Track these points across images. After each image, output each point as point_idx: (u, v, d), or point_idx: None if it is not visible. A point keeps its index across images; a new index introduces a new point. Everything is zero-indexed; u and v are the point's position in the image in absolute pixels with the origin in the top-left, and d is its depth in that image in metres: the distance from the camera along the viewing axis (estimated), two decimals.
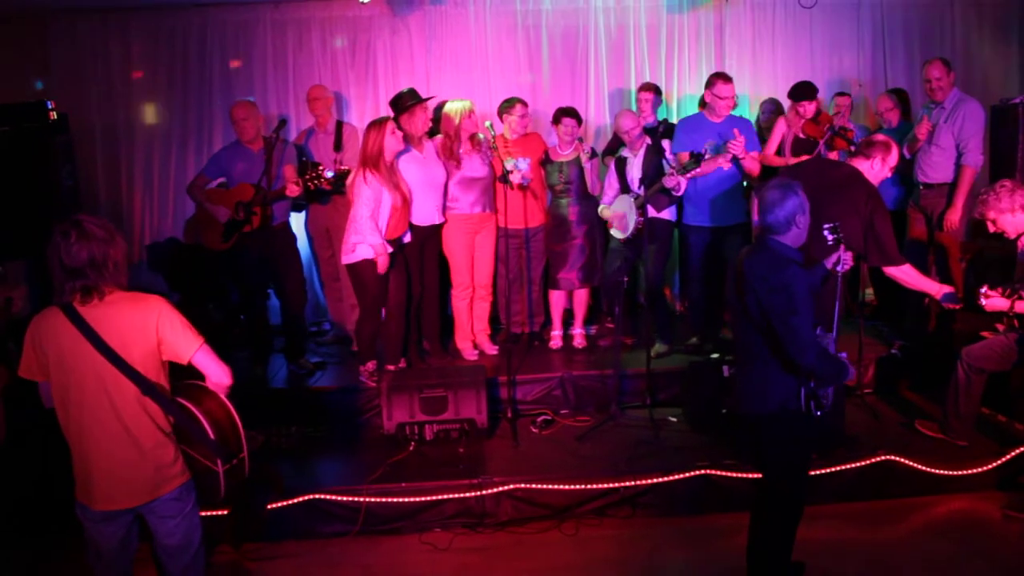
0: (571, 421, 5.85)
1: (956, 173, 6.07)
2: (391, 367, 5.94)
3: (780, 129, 6.72)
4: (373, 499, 4.86)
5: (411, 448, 5.36)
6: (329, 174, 6.04)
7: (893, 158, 5.02)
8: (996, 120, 6.33)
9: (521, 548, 4.75)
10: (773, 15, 8.01)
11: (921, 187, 6.31)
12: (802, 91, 6.55)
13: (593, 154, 6.38)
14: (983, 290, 4.70)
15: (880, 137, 5.20)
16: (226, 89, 7.75)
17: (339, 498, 4.88)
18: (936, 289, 4.95)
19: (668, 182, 5.82)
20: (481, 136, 6.22)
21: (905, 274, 4.96)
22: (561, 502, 4.95)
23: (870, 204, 4.85)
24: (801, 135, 6.54)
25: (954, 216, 6.05)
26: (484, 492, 4.90)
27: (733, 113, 6.35)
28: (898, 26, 8.06)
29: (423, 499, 4.89)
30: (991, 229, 4.90)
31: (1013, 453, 5.14)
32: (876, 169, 4.99)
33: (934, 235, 6.26)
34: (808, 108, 6.57)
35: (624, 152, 6.33)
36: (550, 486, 4.93)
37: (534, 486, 4.93)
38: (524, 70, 7.92)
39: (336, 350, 6.91)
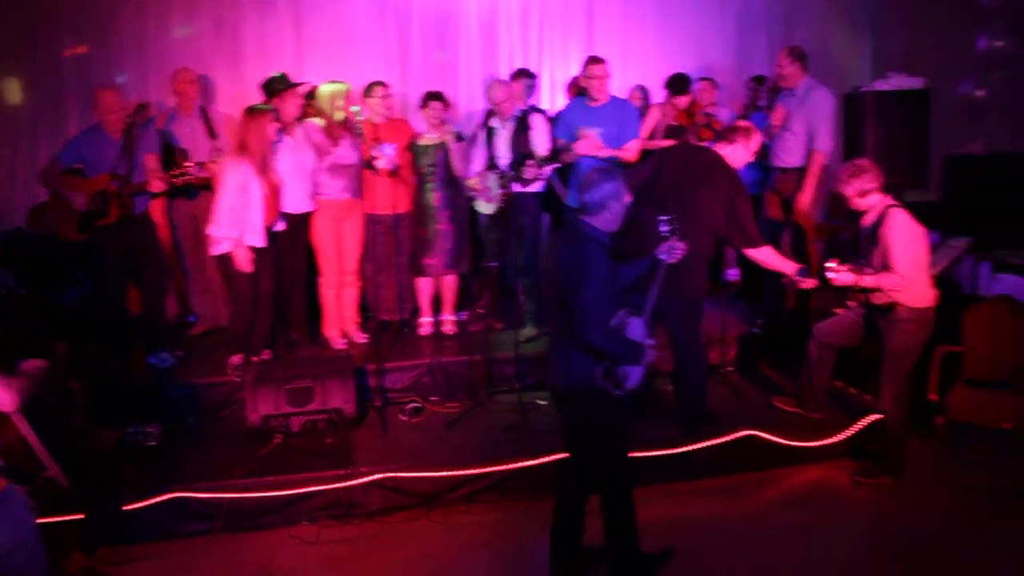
0: (441, 408, 5.84)
1: (807, 158, 6.29)
2: (257, 359, 5.81)
3: (654, 116, 6.87)
4: (237, 495, 4.74)
5: (277, 441, 5.25)
6: (195, 169, 5.85)
7: (755, 143, 5.17)
8: (848, 107, 6.59)
9: (390, 537, 4.72)
10: (642, 1, 8.14)
11: (776, 171, 6.53)
12: (677, 85, 6.72)
13: (459, 137, 6.37)
14: (830, 265, 4.89)
15: (742, 123, 5.34)
16: (81, 71, 7.38)
17: (201, 495, 4.74)
18: (791, 268, 5.14)
19: (527, 173, 5.87)
20: (351, 120, 6.11)
21: (764, 255, 5.13)
22: (430, 490, 4.95)
23: (732, 188, 5.00)
24: (674, 123, 6.70)
25: (805, 199, 6.28)
26: (352, 483, 4.85)
27: (617, 97, 6.42)
28: (761, 14, 8.30)
29: (290, 492, 4.79)
30: (848, 205, 5.10)
31: (862, 423, 5.39)
32: (738, 154, 5.13)
33: (789, 217, 6.48)
34: (682, 100, 6.73)
35: (493, 122, 6.35)
36: (418, 474, 4.92)
37: (402, 475, 4.90)
38: (394, 54, 7.85)
39: (201, 342, 6.72)
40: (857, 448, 5.41)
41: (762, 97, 7.28)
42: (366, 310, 6.81)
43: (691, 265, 4.97)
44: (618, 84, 7.60)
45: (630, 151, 6.15)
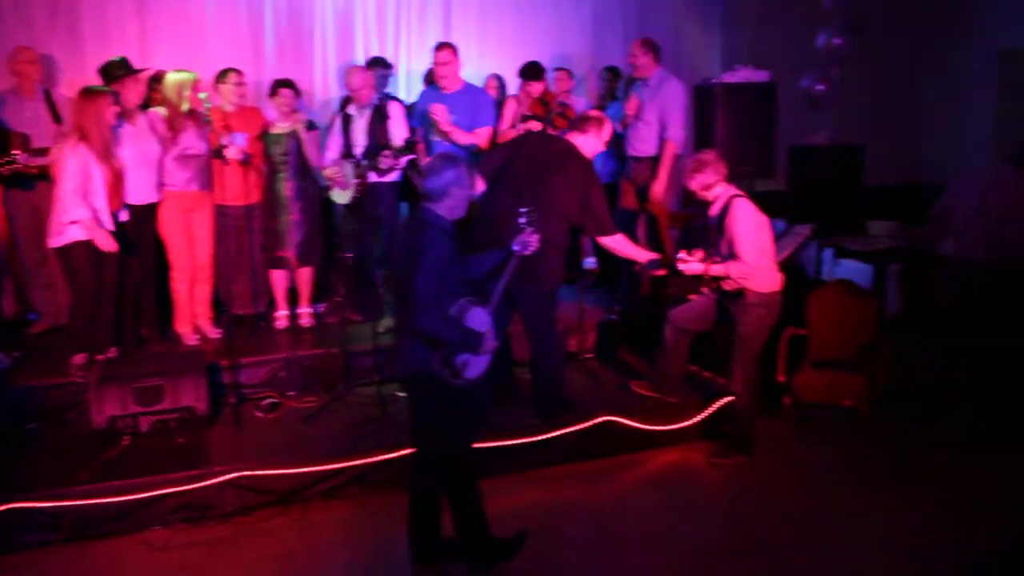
0: (298, 403, 5.71)
1: (661, 147, 6.43)
2: (102, 357, 5.53)
3: (511, 107, 6.89)
4: (81, 502, 4.50)
5: (125, 443, 5.01)
6: (24, 157, 5.51)
7: (606, 132, 5.25)
8: (699, 98, 6.79)
9: (246, 538, 4.57)
10: None
11: (631, 160, 6.66)
12: (530, 71, 6.75)
13: (311, 126, 6.23)
14: (680, 255, 5.03)
15: (594, 112, 5.42)
16: None
17: (42, 504, 4.47)
18: (644, 257, 5.25)
19: (383, 163, 5.82)
20: (199, 109, 5.88)
21: (617, 243, 5.22)
22: (287, 487, 4.82)
23: (585, 177, 5.06)
24: (528, 112, 6.72)
25: (659, 187, 6.43)
26: (205, 483, 4.67)
27: (472, 84, 6.41)
28: (616, 7, 8.45)
29: (138, 496, 4.56)
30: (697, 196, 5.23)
31: (715, 405, 5.57)
32: (591, 143, 5.19)
33: (644, 206, 6.62)
34: (535, 87, 6.77)
35: (351, 109, 6.24)
36: (274, 471, 4.78)
37: (258, 472, 4.75)
38: (247, 42, 7.59)
39: (43, 342, 6.35)
40: (712, 430, 5.58)
41: (619, 88, 7.41)
42: (220, 304, 6.61)
43: (546, 254, 5.00)
44: (476, 74, 7.61)
45: (481, 136, 6.14)
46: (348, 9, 7.76)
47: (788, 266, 5.98)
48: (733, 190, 5.10)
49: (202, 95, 5.59)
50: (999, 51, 8.65)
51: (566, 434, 5.29)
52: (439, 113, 5.94)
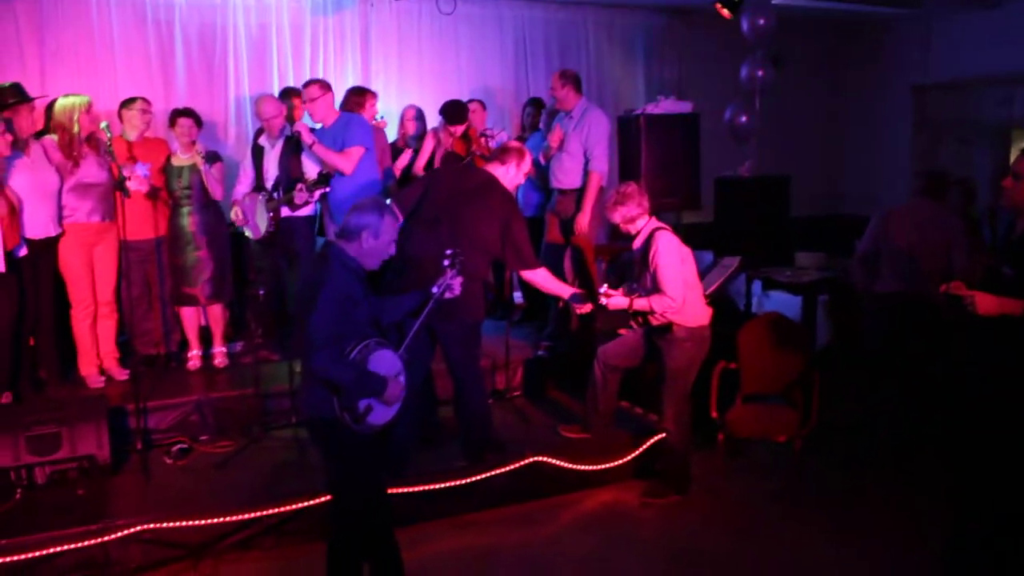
0: (211, 448, 5.38)
1: (584, 179, 6.32)
2: None
3: (430, 144, 6.72)
4: None
5: (17, 497, 4.63)
6: None
7: (527, 164, 5.09)
8: (623, 130, 6.72)
9: None
10: (419, 22, 8.05)
11: (556, 193, 6.54)
12: (454, 114, 6.59)
13: (214, 157, 5.94)
14: (603, 290, 4.90)
15: (514, 144, 5.27)
16: None
17: None
18: (567, 292, 5.10)
19: (298, 198, 5.59)
20: (99, 137, 5.55)
21: (540, 278, 5.05)
22: (197, 539, 4.49)
23: (506, 208, 4.88)
24: (451, 151, 6.58)
25: (583, 220, 6.30)
26: (106, 538, 4.32)
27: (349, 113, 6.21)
28: (538, 39, 8.39)
29: (30, 555, 4.19)
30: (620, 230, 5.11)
31: (647, 444, 5.42)
32: (511, 174, 5.03)
33: (569, 239, 6.49)
34: (458, 129, 6.63)
35: (261, 140, 6.00)
36: (182, 523, 4.46)
37: (164, 525, 4.42)
38: (156, 68, 7.26)
39: None
40: (645, 468, 5.42)
41: (542, 120, 7.30)
42: (128, 345, 6.26)
43: (467, 288, 4.81)
44: (396, 107, 7.43)
45: (351, 156, 5.75)
46: (263, 35, 7.51)
47: (717, 299, 5.91)
48: (655, 223, 5.00)
49: (103, 124, 5.28)
50: (911, 86, 8.83)
51: (494, 476, 5.08)
52: (302, 129, 5.71)
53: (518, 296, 7.78)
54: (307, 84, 5.95)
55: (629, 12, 8.69)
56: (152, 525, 4.40)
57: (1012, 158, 7.95)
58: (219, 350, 6.23)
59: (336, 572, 3.72)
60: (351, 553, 3.71)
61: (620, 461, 5.38)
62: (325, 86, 5.93)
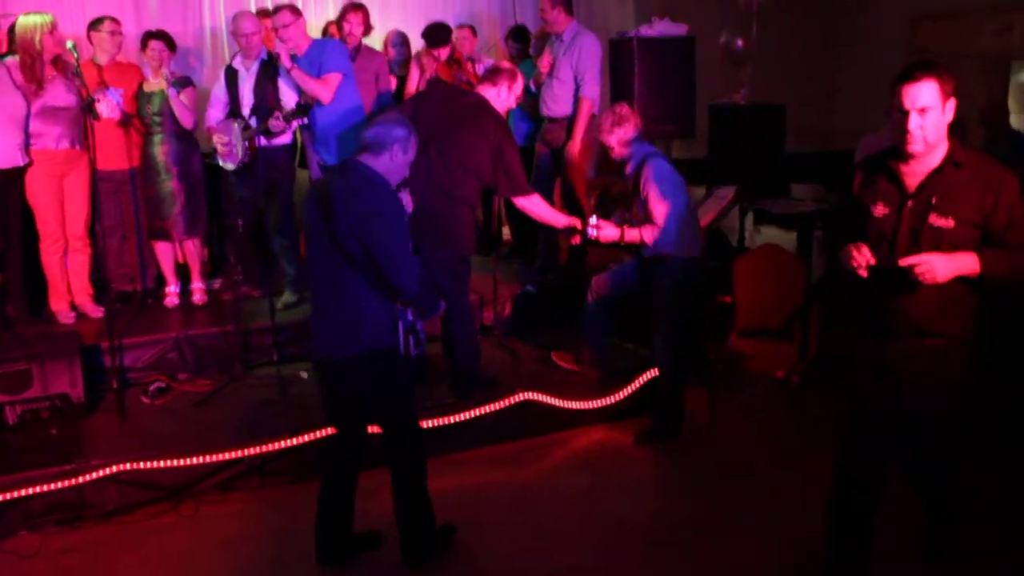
0: (190, 387, 5.20)
1: (575, 106, 6.08)
2: None
3: (415, 71, 6.46)
4: None
5: None
6: None
7: (519, 86, 4.87)
8: (615, 53, 6.45)
9: (130, 539, 4.09)
10: None
11: (546, 121, 6.30)
12: (436, 36, 6.30)
13: (184, 82, 5.65)
14: (592, 221, 4.70)
15: (506, 64, 5.03)
16: None
17: None
18: (560, 221, 4.91)
19: (274, 127, 5.37)
20: (66, 59, 5.24)
21: (533, 205, 4.86)
22: (176, 481, 4.34)
23: (498, 132, 4.66)
24: (436, 76, 6.30)
25: (573, 148, 6.07)
26: (81, 479, 4.15)
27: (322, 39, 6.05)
28: None
29: (0, 498, 4.04)
30: (611, 155, 4.89)
31: (640, 380, 5.26)
32: (503, 97, 4.80)
33: (560, 168, 6.27)
34: (442, 52, 6.35)
35: (235, 62, 5.72)
36: (161, 463, 4.29)
37: (142, 465, 4.25)
38: None
39: None
40: (638, 405, 5.27)
41: (531, 47, 7.00)
42: (103, 281, 6.04)
43: (457, 213, 4.64)
44: (377, 34, 7.11)
45: (330, 83, 5.58)
46: None
47: (711, 232, 5.73)
48: (648, 148, 4.78)
49: (69, 43, 4.97)
50: (906, 14, 8.53)
51: (483, 414, 4.92)
52: (281, 51, 5.47)
53: (505, 232, 7.55)
54: (278, 9, 5.72)
55: None
56: (129, 465, 4.24)
57: (1010, 90, 7.80)
58: (197, 286, 6.02)
59: (416, 496, 3.67)
60: (423, 474, 3.67)
61: (613, 398, 5.22)
62: (296, 11, 5.71)
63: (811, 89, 8.23)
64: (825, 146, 7.70)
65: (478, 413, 4.90)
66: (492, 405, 4.95)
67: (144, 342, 5.33)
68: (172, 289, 6.00)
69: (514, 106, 4.99)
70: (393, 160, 3.45)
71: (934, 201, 2.93)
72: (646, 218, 4.67)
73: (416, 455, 3.67)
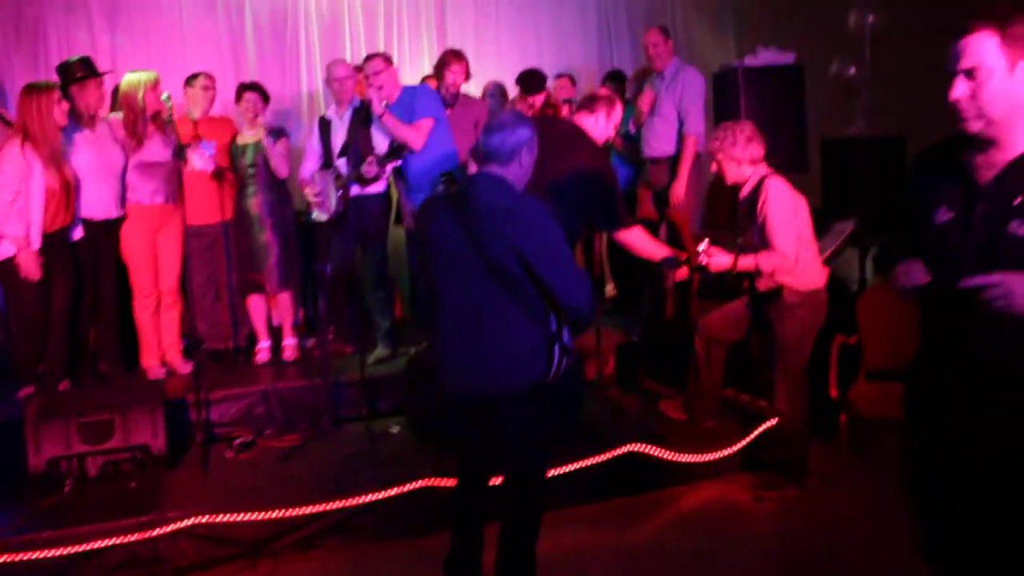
0: (276, 441, 4.96)
1: (680, 144, 5.76)
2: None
3: None
4: (7, 557, 3.75)
5: (67, 488, 4.29)
6: None
7: (617, 114, 4.57)
8: (718, 87, 6.15)
9: None
10: (496, 1, 7.62)
11: (648, 163, 5.99)
12: (531, 83, 6.15)
13: (279, 133, 5.59)
14: (702, 247, 4.29)
15: (604, 91, 4.77)
16: None
17: None
18: (663, 254, 4.54)
19: (368, 172, 5.21)
20: (160, 109, 5.24)
21: (635, 238, 4.49)
22: (254, 536, 4.06)
23: (596, 161, 4.37)
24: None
25: (679, 189, 5.74)
26: (155, 532, 3.92)
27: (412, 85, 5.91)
28: (622, 9, 7.87)
29: (74, 549, 3.82)
30: (712, 168, 4.51)
31: (757, 431, 4.78)
32: (601, 125, 4.51)
33: (664, 212, 5.93)
34: (537, 100, 6.18)
35: (328, 113, 5.63)
36: (239, 517, 4.03)
37: (218, 519, 4.01)
38: (226, 56, 7.04)
39: None
40: (755, 459, 4.78)
41: (628, 90, 6.75)
42: (195, 338, 5.96)
43: None
44: (473, 86, 7.00)
45: (422, 129, 5.42)
46: (334, 17, 7.25)
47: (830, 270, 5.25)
48: (765, 168, 4.39)
49: (164, 95, 4.97)
50: None
51: (586, 468, 4.51)
52: (373, 95, 5.32)
53: (610, 289, 7.22)
54: (369, 57, 5.62)
55: None
56: (205, 519, 4.00)
57: None
58: (289, 342, 5.85)
59: (526, 555, 3.23)
60: (538, 529, 3.25)
61: (727, 451, 4.75)
62: (388, 59, 5.60)
63: (935, 119, 7.56)
64: None
65: (580, 466, 4.50)
66: (595, 457, 4.55)
67: (231, 395, 5.14)
68: (264, 345, 5.84)
69: (612, 136, 4.70)
70: (522, 166, 3.15)
71: (1016, 202, 2.13)
72: (763, 244, 4.25)
73: (539, 505, 3.26)
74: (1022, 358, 2.14)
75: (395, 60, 7.18)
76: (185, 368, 5.56)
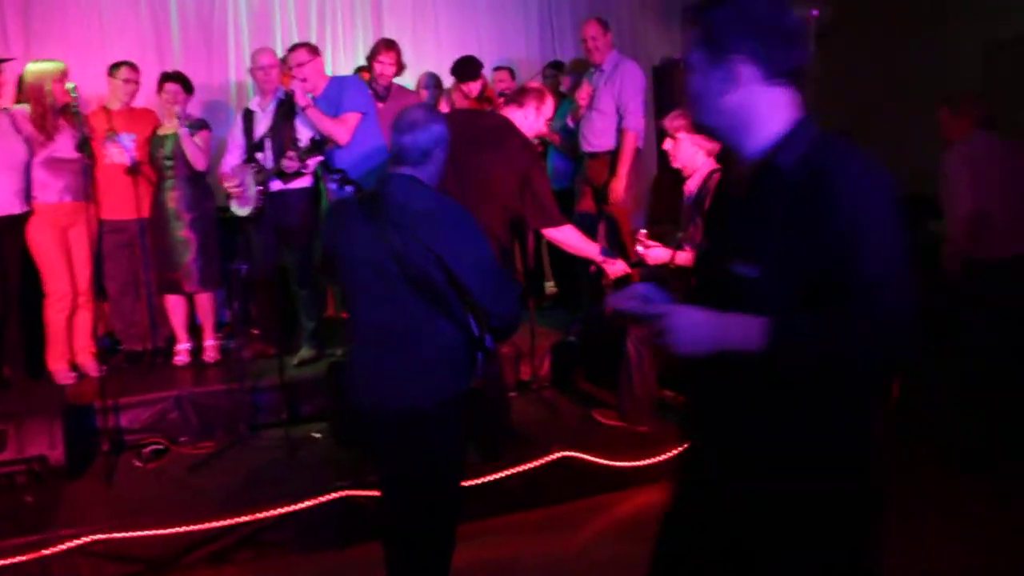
0: (191, 449, 4.70)
1: (618, 139, 5.57)
2: None
3: (444, 108, 6.07)
4: None
5: None
6: None
7: (548, 108, 4.35)
8: (659, 80, 5.97)
9: None
10: None
11: (587, 157, 5.79)
12: (465, 71, 5.91)
13: (200, 125, 5.33)
14: (640, 236, 4.09)
15: (534, 84, 4.57)
16: None
17: None
18: (595, 250, 4.35)
19: (288, 166, 4.98)
20: (66, 100, 4.93)
21: (565, 235, 4.30)
22: (159, 552, 3.79)
23: (525, 156, 4.13)
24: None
25: (618, 185, 5.54)
26: (47, 551, 3.64)
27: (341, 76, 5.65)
28: (564, 8, 7.67)
29: None
30: (666, 145, 4.29)
31: None
32: (530, 119, 4.28)
33: (602, 207, 5.73)
34: (472, 87, 5.94)
35: (252, 104, 5.37)
36: (141, 532, 3.76)
37: (117, 535, 3.73)
38: (150, 41, 6.70)
39: None
40: None
41: (563, 82, 6.55)
42: (114, 339, 5.70)
43: None
44: (409, 79, 6.75)
45: (348, 123, 5.12)
46: (265, 10, 6.94)
47: None
48: (714, 163, 4.21)
49: (70, 85, 4.67)
50: (983, 40, 7.83)
51: (516, 475, 4.30)
52: (296, 88, 5.06)
53: (550, 287, 7.02)
54: (294, 47, 5.34)
55: None
56: (103, 535, 3.72)
57: None
58: (210, 343, 5.57)
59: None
60: (452, 549, 2.98)
61: (662, 456, 4.55)
62: (314, 50, 5.32)
63: (881, 116, 7.45)
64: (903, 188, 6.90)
65: (508, 473, 4.28)
66: (525, 464, 4.34)
67: (143, 401, 4.86)
68: (183, 347, 5.56)
69: (543, 130, 4.48)
70: (436, 165, 2.89)
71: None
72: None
73: (453, 523, 2.99)
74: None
75: (328, 51, 7.02)
76: (95, 371, 5.22)
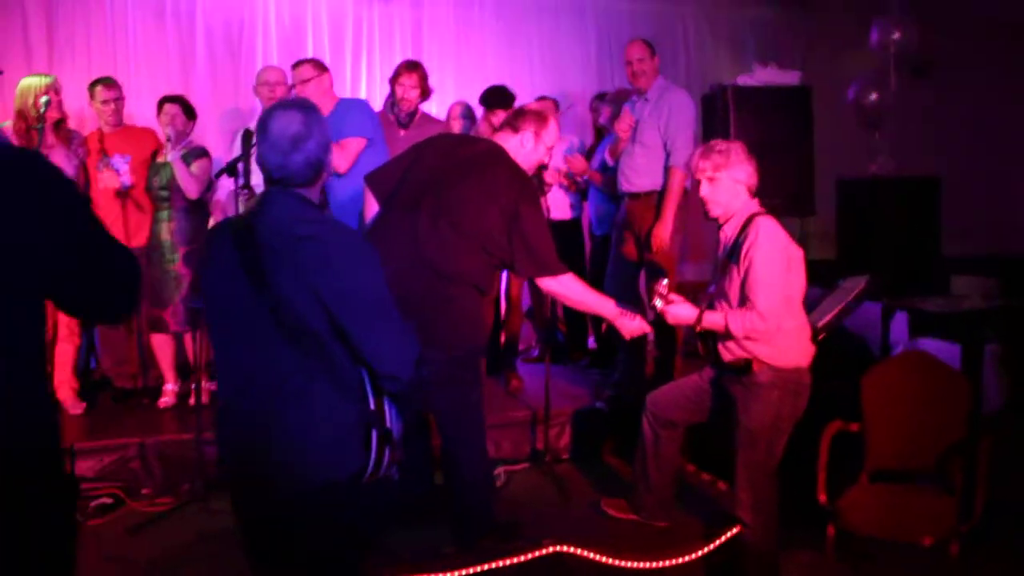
0: (144, 505, 4.19)
1: (665, 176, 4.87)
2: None
3: None
4: None
5: None
6: None
7: (550, 134, 3.65)
8: (708, 109, 5.26)
9: None
10: (481, 13, 6.90)
11: (627, 198, 5.08)
12: (493, 99, 5.35)
13: (199, 153, 4.97)
14: (660, 287, 3.38)
15: (534, 105, 3.93)
16: None
17: None
18: (608, 307, 3.63)
19: None
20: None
21: (565, 287, 3.57)
22: None
23: (514, 189, 3.45)
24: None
25: (663, 231, 4.81)
26: None
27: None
28: (625, 37, 7.06)
29: None
30: (703, 192, 3.55)
31: (725, 536, 3.77)
32: (527, 147, 3.61)
33: (644, 255, 5.01)
34: (501, 116, 5.37)
35: (253, 125, 4.91)
36: None
37: None
38: (175, 64, 6.37)
39: None
40: (718, 567, 3.78)
41: (603, 112, 5.88)
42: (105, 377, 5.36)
43: (453, 301, 3.43)
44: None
45: (348, 149, 4.64)
46: (297, 29, 6.56)
47: (838, 335, 4.27)
48: (757, 205, 3.48)
49: (43, 99, 4.35)
50: None
51: (495, 570, 3.58)
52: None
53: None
54: (298, 63, 4.90)
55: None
56: None
57: None
58: (205, 386, 5.07)
59: None
60: None
61: (685, 557, 3.76)
62: (320, 66, 4.88)
63: (977, 158, 6.32)
64: (996, 244, 5.89)
65: (484, 568, 3.56)
66: (509, 558, 3.61)
67: (106, 447, 4.38)
68: (169, 388, 5.11)
69: (545, 161, 3.80)
70: (326, 177, 2.32)
71: None
72: (739, 300, 3.34)
73: None
74: None
75: (363, 78, 6.56)
76: (75, 408, 4.91)
